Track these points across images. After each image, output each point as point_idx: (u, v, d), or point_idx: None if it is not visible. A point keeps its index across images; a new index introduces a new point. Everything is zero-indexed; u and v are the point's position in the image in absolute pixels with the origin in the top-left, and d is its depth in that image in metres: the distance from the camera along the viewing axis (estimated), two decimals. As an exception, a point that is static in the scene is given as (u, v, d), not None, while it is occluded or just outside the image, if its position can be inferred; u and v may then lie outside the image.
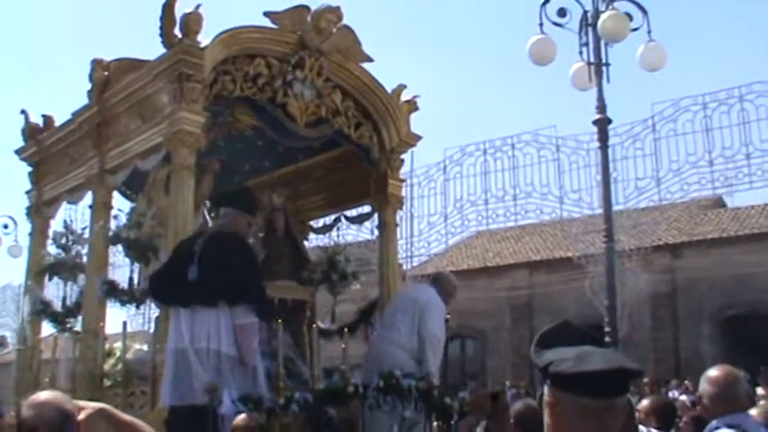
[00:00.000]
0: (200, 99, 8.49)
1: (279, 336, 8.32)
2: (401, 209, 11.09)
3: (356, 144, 10.11)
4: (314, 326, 9.62)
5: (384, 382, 7.91)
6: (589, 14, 11.56)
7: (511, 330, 32.88)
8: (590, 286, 23.42)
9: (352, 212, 11.53)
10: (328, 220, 11.83)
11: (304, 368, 9.37)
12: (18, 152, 11.35)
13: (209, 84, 8.64)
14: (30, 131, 11.15)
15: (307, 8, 9.28)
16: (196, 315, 7.71)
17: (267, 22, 9.14)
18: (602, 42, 11.26)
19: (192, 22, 8.40)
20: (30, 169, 11.29)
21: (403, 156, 10.72)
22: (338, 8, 9.39)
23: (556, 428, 2.53)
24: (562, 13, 11.66)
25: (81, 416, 3.35)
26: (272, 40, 9.21)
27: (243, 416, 6.67)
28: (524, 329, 30.99)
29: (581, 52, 11.50)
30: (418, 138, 10.64)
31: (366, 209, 11.22)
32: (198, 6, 8.46)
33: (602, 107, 11.30)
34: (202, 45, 8.44)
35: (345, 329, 9.63)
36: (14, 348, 11.10)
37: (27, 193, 11.31)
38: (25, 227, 11.77)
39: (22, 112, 11.25)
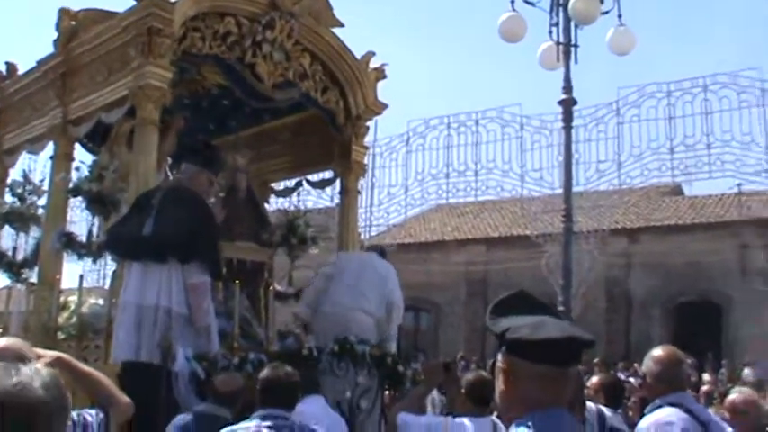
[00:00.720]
0: (168, 54, 8.42)
1: (236, 296, 8.31)
2: (364, 176, 11.11)
3: (322, 108, 10.10)
4: (271, 288, 9.61)
5: (339, 347, 7.94)
6: (561, -6, 11.61)
7: (465, 305, 32.98)
8: (546, 265, 23.55)
9: (315, 177, 11.49)
10: (290, 183, 11.81)
11: (259, 329, 9.36)
12: (-22, 99, 11.17)
13: (177, 39, 8.57)
14: (-8, 79, 10.99)
15: (280, -32, 9.23)
16: (148, 270, 7.66)
17: (237, -20, 9.08)
18: (572, 23, 11.31)
19: (164, -25, 8.31)
20: (-10, 117, 11.14)
21: (368, 123, 10.72)
22: (313, -28, 9.35)
23: (509, 394, 2.56)
24: (534, -9, 11.71)
25: (38, 363, 3.34)
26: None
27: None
28: (479, 304, 31.04)
29: (550, 32, 11.55)
30: (384, 106, 10.64)
31: (328, 174, 11.21)
32: (170, -40, 8.39)
33: (568, 88, 11.37)
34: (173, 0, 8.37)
35: (302, 293, 9.63)
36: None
37: (-14, 141, 11.17)
38: (-17, 175, 11.61)
39: (-15, 59, 11.10)
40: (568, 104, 11.60)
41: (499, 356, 2.59)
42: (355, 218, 10.80)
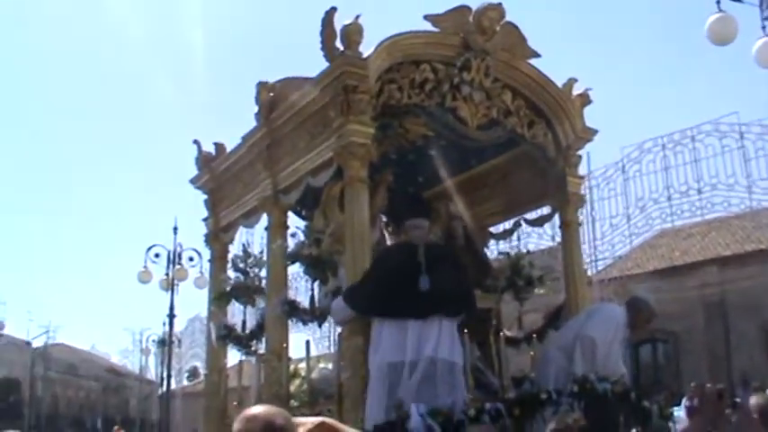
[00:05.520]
0: (367, 110, 8.35)
1: (466, 346, 8.05)
2: (582, 207, 10.69)
3: (531, 143, 9.77)
4: (501, 334, 9.28)
5: (579, 387, 7.51)
6: (770, -15, 10.93)
7: (704, 331, 31.55)
8: (791, 275, 22.33)
9: (532, 215, 11.14)
10: (508, 224, 11.46)
11: (493, 378, 9.04)
12: (192, 181, 11.51)
13: (375, 94, 8.49)
14: (203, 160, 11.29)
15: (467, 8, 9.02)
16: (425, 326, 7.65)
17: (428, 26, 8.91)
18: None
19: (353, 32, 8.26)
20: (205, 197, 11.45)
21: (580, 152, 10.31)
22: (500, 5, 9.08)
23: None
24: (741, -13, 11.03)
25: (300, 430, 3.23)
26: (435, 44, 8.99)
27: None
28: (719, 329, 29.74)
29: (764, 27, 10.88)
30: (594, 132, 10.19)
31: (546, 210, 10.86)
32: (357, 17, 8.33)
33: (796, 78, 10.64)
34: (365, 55, 8.30)
35: (534, 336, 9.29)
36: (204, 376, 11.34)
37: (204, 220, 11.45)
38: (206, 255, 11.91)
39: (195, 142, 11.40)
40: (800, 95, 10.89)
41: None
42: (579, 251, 10.31)
